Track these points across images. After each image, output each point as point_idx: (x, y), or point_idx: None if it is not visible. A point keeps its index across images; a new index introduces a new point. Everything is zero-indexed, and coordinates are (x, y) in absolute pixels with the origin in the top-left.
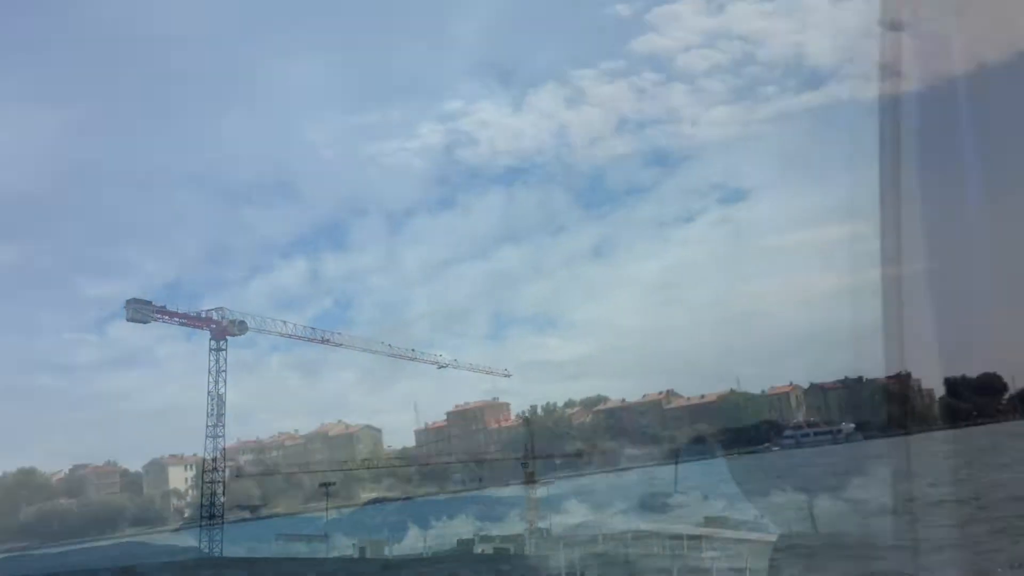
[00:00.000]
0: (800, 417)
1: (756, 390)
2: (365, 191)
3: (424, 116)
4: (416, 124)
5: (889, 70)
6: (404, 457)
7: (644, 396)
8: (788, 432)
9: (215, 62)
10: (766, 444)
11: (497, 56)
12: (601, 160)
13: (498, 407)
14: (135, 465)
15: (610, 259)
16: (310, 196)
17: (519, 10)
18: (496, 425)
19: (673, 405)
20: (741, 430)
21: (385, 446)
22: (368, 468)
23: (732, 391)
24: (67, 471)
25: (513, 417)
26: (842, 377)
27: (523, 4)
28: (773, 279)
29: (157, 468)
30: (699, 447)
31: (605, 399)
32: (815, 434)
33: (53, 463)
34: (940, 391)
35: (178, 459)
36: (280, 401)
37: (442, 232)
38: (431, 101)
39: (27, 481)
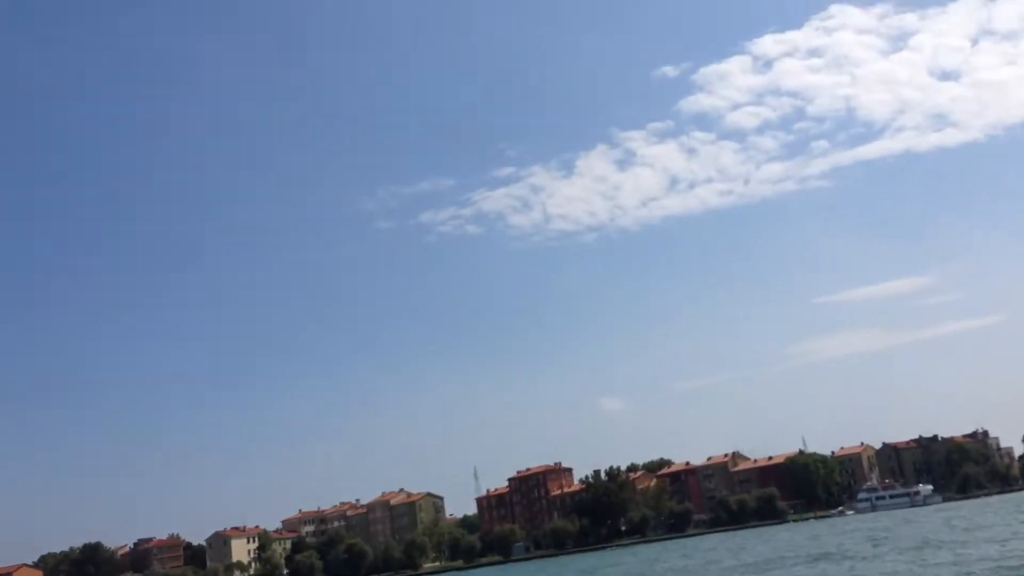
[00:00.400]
0: (874, 479)
1: (824, 450)
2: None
3: (478, 182)
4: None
5: (942, 121)
6: (466, 525)
7: (709, 458)
8: (862, 495)
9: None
10: (840, 508)
11: (546, 121)
12: (649, 220)
13: (560, 472)
14: (198, 538)
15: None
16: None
17: (566, 71)
18: (558, 490)
19: (739, 467)
20: (812, 493)
21: (447, 514)
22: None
23: (800, 452)
24: (131, 545)
25: (576, 482)
26: (915, 436)
27: (570, 66)
28: (836, 335)
29: (219, 541)
30: (769, 511)
31: (669, 462)
32: (891, 496)
33: (118, 537)
34: (1020, 449)
35: (240, 531)
36: None
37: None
38: (483, 167)
39: (93, 557)
